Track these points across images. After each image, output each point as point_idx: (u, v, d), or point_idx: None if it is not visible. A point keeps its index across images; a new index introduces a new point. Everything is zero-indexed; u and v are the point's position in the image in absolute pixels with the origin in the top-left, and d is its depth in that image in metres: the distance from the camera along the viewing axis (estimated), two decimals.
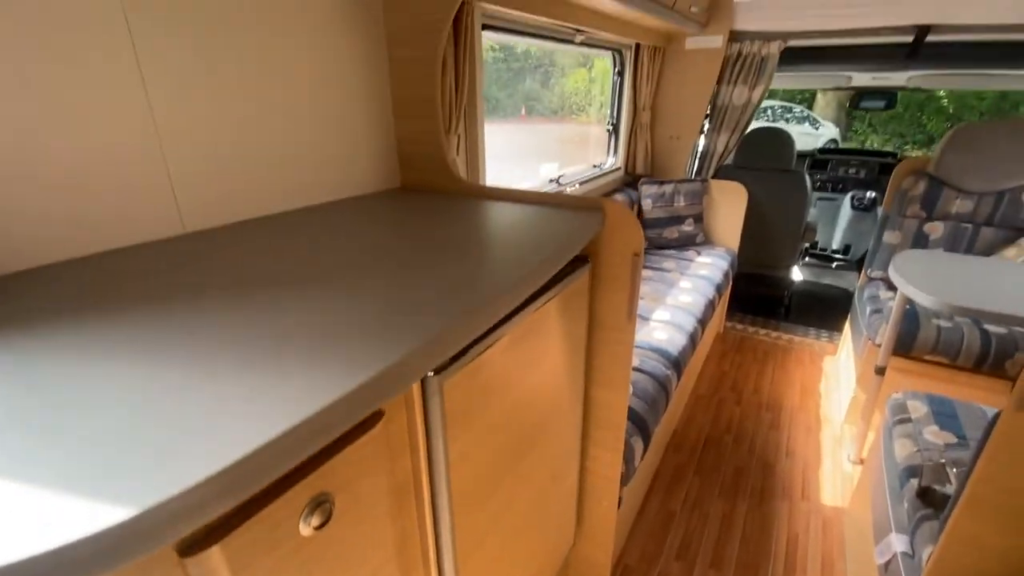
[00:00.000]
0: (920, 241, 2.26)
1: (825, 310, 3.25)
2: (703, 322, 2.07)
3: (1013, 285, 1.56)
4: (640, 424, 1.39)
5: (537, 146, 2.88)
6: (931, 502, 1.12)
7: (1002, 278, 1.62)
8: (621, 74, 2.65)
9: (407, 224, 0.98)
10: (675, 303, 2.12)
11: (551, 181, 2.22)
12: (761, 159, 2.88)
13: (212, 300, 0.62)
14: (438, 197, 1.20)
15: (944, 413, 1.42)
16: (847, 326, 2.62)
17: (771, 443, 2.12)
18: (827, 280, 3.67)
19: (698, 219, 2.82)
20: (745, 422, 2.25)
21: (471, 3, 1.31)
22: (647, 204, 2.78)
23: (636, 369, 1.61)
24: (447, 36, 1.24)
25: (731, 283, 2.78)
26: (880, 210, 3.13)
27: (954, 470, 1.08)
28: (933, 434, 1.34)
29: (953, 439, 1.32)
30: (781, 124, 8.90)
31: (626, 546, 1.65)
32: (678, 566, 1.59)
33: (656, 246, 2.82)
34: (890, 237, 2.33)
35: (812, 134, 9.01)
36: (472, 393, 0.72)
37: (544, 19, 1.70)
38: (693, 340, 1.91)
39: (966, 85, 3.04)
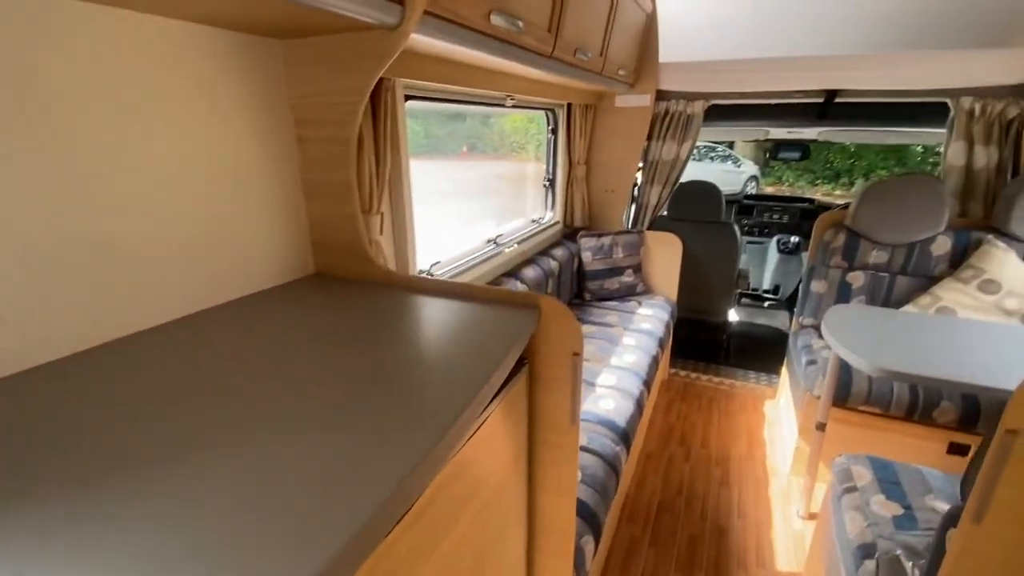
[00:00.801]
0: (844, 290, 2.36)
1: (761, 350, 3.34)
2: (648, 383, 2.03)
3: (935, 340, 1.62)
4: (591, 520, 1.29)
5: (478, 181, 2.81)
6: None
7: (924, 334, 1.68)
8: (555, 131, 2.66)
9: (318, 332, 0.85)
10: (620, 363, 2.06)
11: (489, 241, 2.14)
12: (693, 211, 2.96)
13: None
14: (357, 289, 1.07)
15: (887, 480, 1.41)
16: (784, 370, 2.68)
17: (723, 503, 2.07)
18: (761, 319, 3.80)
19: (637, 269, 2.83)
20: (696, 481, 2.20)
21: (390, 79, 1.23)
22: (587, 256, 2.77)
23: (584, 449, 1.52)
24: (363, 113, 1.14)
25: (672, 331, 2.79)
26: (805, 255, 3.29)
27: (911, 564, 1.05)
28: (880, 505, 1.33)
29: (899, 510, 1.31)
30: (706, 162, 9.46)
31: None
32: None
33: (598, 298, 2.80)
34: (817, 286, 2.42)
35: (734, 171, 9.63)
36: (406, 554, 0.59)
37: (472, 89, 1.65)
38: (640, 405, 1.86)
39: (868, 139, 3.31)
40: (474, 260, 1.94)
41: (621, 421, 1.68)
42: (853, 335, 1.64)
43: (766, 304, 3.96)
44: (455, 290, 1.03)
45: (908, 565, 1.04)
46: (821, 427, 1.87)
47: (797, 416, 2.20)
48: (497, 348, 0.80)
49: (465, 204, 2.04)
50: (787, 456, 2.29)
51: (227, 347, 0.80)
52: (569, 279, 2.69)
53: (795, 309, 2.61)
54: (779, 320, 3.79)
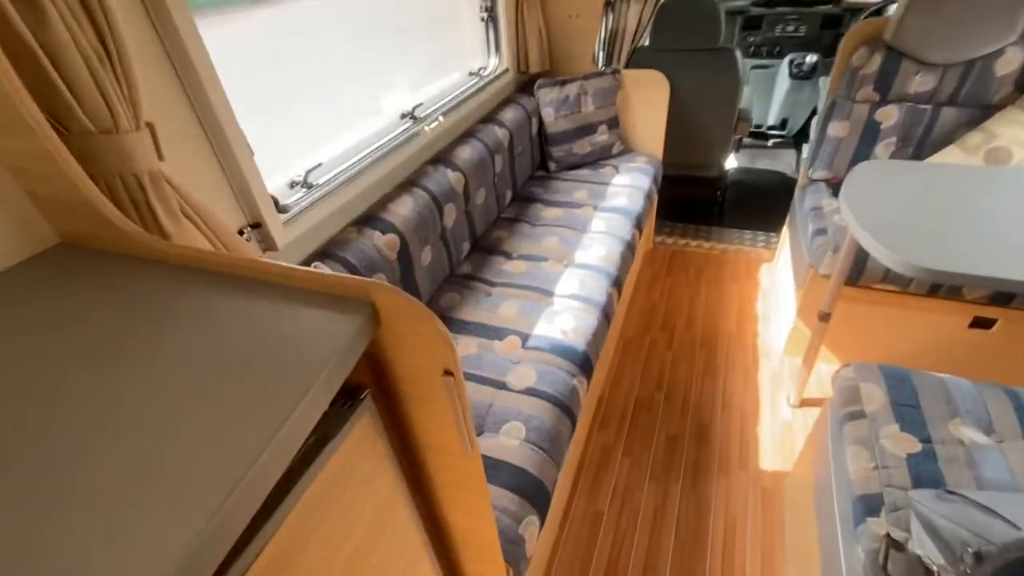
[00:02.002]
0: (871, 132, 1.85)
1: (761, 203, 2.92)
2: (619, 282, 1.68)
3: (992, 211, 1.22)
4: (535, 494, 1.05)
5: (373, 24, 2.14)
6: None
7: (978, 201, 1.26)
8: None
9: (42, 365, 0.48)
10: (586, 260, 1.69)
11: (404, 117, 1.60)
12: (683, 37, 2.28)
13: None
14: (112, 271, 0.67)
15: (904, 401, 1.14)
16: (785, 229, 2.31)
17: (706, 395, 1.88)
18: (763, 163, 3.28)
19: (612, 124, 2.28)
20: (678, 370, 1.99)
21: None
22: (548, 114, 2.21)
23: (531, 392, 1.23)
24: None
25: (657, 195, 2.36)
26: (823, 80, 2.66)
27: (925, 553, 0.81)
28: (892, 439, 1.07)
29: (917, 446, 1.05)
30: None
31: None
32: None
33: (566, 165, 2.30)
34: (836, 128, 1.91)
35: None
36: None
37: None
38: (607, 315, 1.54)
39: None
40: (380, 150, 1.44)
41: (581, 343, 1.37)
42: (882, 213, 1.23)
43: (770, 143, 3.40)
44: (256, 269, 0.62)
45: (921, 553, 0.80)
46: (825, 317, 1.56)
47: (797, 294, 1.89)
48: (300, 372, 0.45)
49: (364, 67, 1.47)
50: (781, 334, 2.04)
51: None
52: (528, 148, 2.18)
53: (804, 156, 2.14)
54: (784, 162, 3.27)
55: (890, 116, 1.82)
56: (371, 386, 0.61)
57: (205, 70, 0.90)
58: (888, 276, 1.58)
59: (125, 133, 0.74)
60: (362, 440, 0.60)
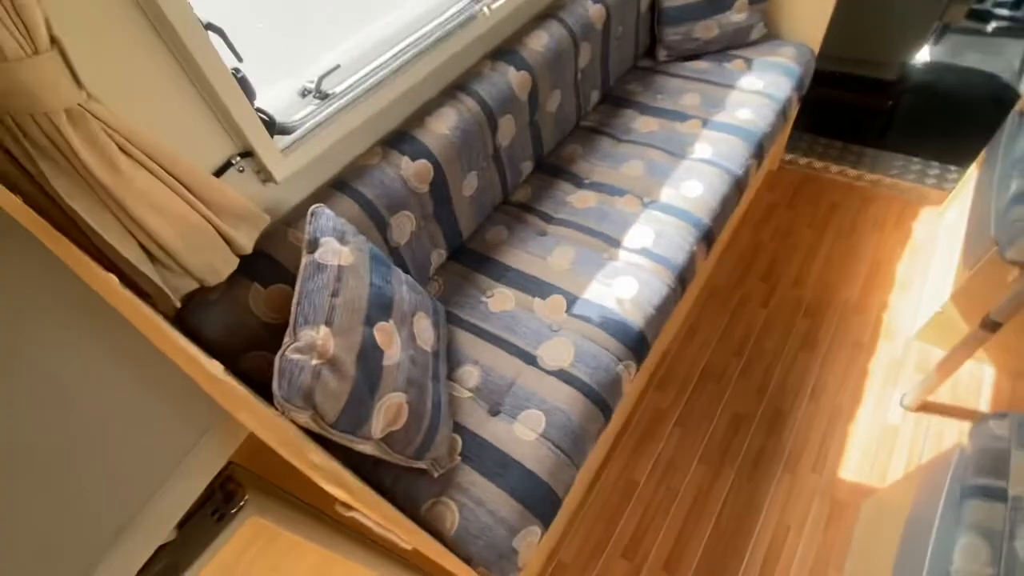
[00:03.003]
0: None
1: (951, 120, 2.14)
2: (711, 236, 1.33)
3: None
4: (539, 503, 0.92)
5: None
6: None
7: None
8: None
9: None
10: (673, 199, 1.34)
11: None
12: None
13: None
14: None
15: None
16: (974, 167, 1.68)
17: (795, 374, 1.57)
18: (972, 58, 2.34)
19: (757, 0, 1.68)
20: (768, 337, 1.66)
21: None
22: None
23: (562, 375, 1.04)
24: None
25: (796, 108, 1.80)
26: None
27: None
28: None
29: None
30: None
31: (566, 532, 1.37)
32: (623, 566, 1.31)
33: (681, 54, 1.78)
34: None
35: None
36: None
37: None
38: (683, 281, 1.24)
39: None
40: (418, 43, 1.13)
41: (638, 320, 1.12)
42: None
43: (991, 28, 2.39)
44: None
45: None
46: (992, 326, 1.14)
47: (960, 271, 1.41)
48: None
49: None
50: (919, 314, 1.59)
51: None
52: (633, 29, 1.68)
53: None
54: (1006, 60, 2.30)
55: None
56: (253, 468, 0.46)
57: None
58: None
59: (16, 60, 0.56)
60: (254, 537, 0.47)
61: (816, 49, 1.77)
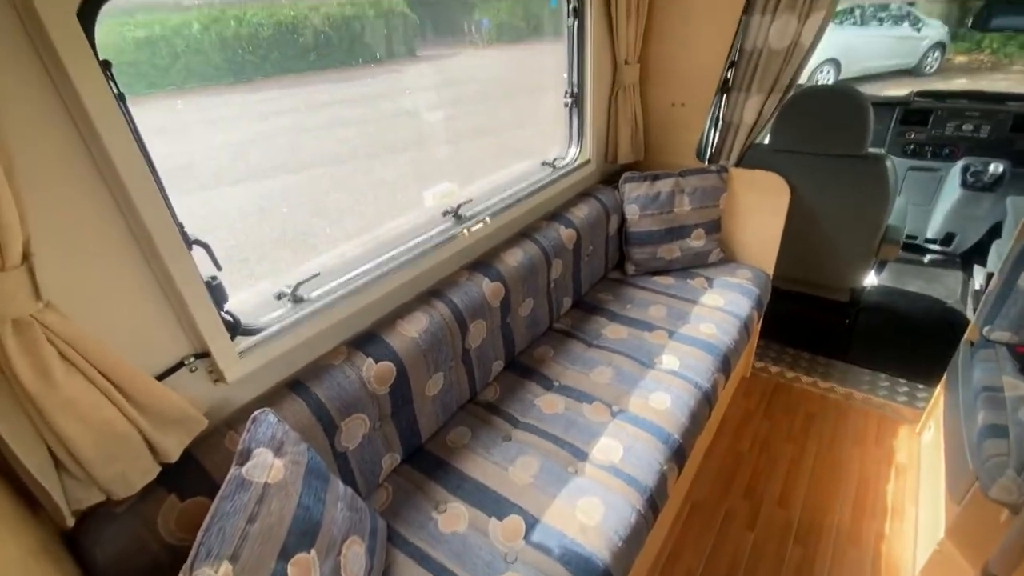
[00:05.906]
0: None
1: (907, 340, 2.27)
2: (683, 453, 1.27)
3: None
4: None
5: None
6: None
7: None
8: (580, 11, 1.68)
9: None
10: (642, 411, 1.32)
11: (446, 215, 1.40)
12: (815, 138, 1.86)
13: None
14: None
15: None
16: (939, 389, 1.71)
17: None
18: (914, 284, 2.60)
19: (712, 229, 1.90)
20: (759, 567, 1.48)
21: None
22: (632, 211, 1.89)
23: None
24: None
25: (758, 326, 1.90)
26: (1010, 200, 2.05)
27: None
28: None
29: None
30: (870, 26, 7.02)
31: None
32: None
33: (648, 270, 1.95)
34: None
35: (912, 37, 7.09)
36: None
37: None
38: (654, 505, 1.14)
39: None
40: (400, 256, 1.23)
41: (604, 554, 1.00)
42: None
43: (927, 259, 2.71)
44: None
45: None
46: None
47: (948, 506, 1.32)
48: None
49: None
50: (919, 550, 1.45)
51: None
52: (602, 248, 1.87)
53: (974, 285, 1.57)
54: (945, 286, 2.55)
55: None
56: None
57: (129, 161, 0.73)
58: None
59: None
60: None
61: (771, 272, 1.95)
